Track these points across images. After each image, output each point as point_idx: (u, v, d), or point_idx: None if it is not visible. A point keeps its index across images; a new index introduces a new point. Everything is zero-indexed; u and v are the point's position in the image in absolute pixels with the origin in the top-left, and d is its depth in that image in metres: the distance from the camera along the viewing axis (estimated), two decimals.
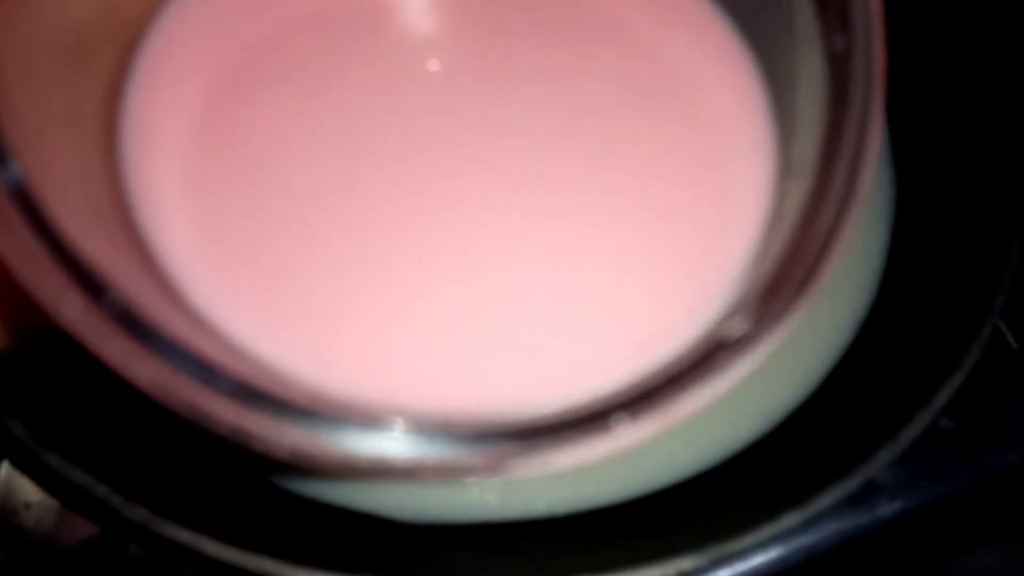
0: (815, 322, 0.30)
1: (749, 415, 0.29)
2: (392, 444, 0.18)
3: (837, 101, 0.20)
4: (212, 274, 0.22)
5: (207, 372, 0.17)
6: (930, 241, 0.31)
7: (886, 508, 0.28)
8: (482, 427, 0.18)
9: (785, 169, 0.23)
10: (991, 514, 0.32)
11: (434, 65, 0.25)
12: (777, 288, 0.19)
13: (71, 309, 0.17)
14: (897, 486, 0.28)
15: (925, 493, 0.29)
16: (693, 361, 0.19)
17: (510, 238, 0.23)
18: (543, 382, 0.21)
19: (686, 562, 0.24)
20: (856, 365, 0.30)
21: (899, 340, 0.30)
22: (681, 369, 0.19)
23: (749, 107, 0.25)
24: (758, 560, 0.27)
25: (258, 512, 0.27)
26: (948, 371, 0.27)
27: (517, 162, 0.24)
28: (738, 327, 0.19)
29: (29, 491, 0.30)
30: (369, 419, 0.18)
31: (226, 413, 0.17)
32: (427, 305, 0.22)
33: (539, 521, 0.28)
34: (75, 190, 0.20)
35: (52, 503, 0.29)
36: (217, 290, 0.21)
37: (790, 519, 0.25)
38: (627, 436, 0.18)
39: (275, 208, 0.23)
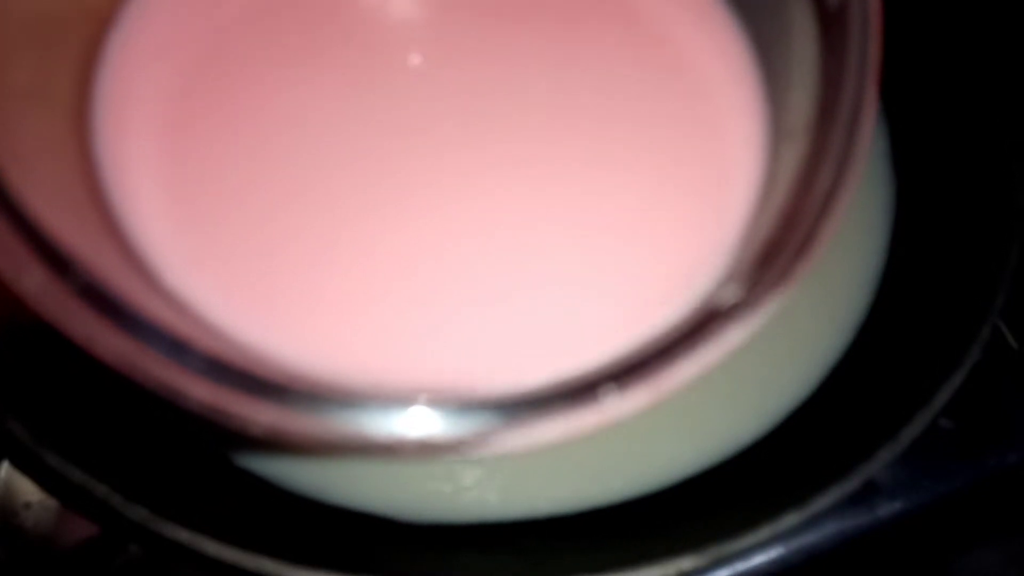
0: (815, 322, 0.30)
1: (749, 415, 0.29)
2: (370, 420, 0.17)
3: (832, 61, 0.20)
4: (184, 252, 0.21)
5: (177, 348, 0.17)
6: (930, 241, 0.31)
7: (886, 508, 0.28)
8: (467, 401, 0.18)
9: (778, 132, 0.23)
10: (991, 514, 0.32)
11: (418, 41, 0.24)
12: (773, 254, 0.19)
13: (33, 283, 0.17)
14: (897, 486, 0.28)
15: (925, 493, 0.29)
16: (685, 330, 0.18)
17: (497, 211, 0.23)
18: (531, 355, 0.21)
19: (686, 562, 0.24)
20: (856, 365, 0.30)
21: (899, 340, 0.30)
22: (673, 339, 0.18)
23: (738, 71, 0.24)
24: (758, 560, 0.27)
25: (258, 512, 0.27)
26: (948, 371, 0.26)
27: (503, 135, 0.23)
28: (732, 295, 0.19)
29: (29, 491, 0.30)
30: (346, 395, 0.18)
31: (197, 390, 0.17)
32: (408, 280, 0.22)
33: (540, 521, 0.28)
34: (43, 166, 0.20)
35: (52, 503, 0.29)
36: (189, 268, 0.21)
37: (790, 519, 0.25)
38: (616, 408, 0.18)
39: (249, 186, 0.22)
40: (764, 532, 0.24)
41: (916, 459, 0.28)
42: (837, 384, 0.30)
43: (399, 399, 0.18)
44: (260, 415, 0.17)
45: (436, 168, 0.23)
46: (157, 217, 0.22)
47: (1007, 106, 0.30)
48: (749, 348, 0.29)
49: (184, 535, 0.23)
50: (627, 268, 0.22)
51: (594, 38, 0.25)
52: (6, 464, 0.29)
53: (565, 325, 0.21)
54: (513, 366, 0.21)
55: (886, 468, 0.26)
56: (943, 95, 0.32)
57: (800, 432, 0.29)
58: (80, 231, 0.19)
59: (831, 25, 0.20)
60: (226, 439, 0.28)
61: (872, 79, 0.20)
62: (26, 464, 0.26)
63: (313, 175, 0.23)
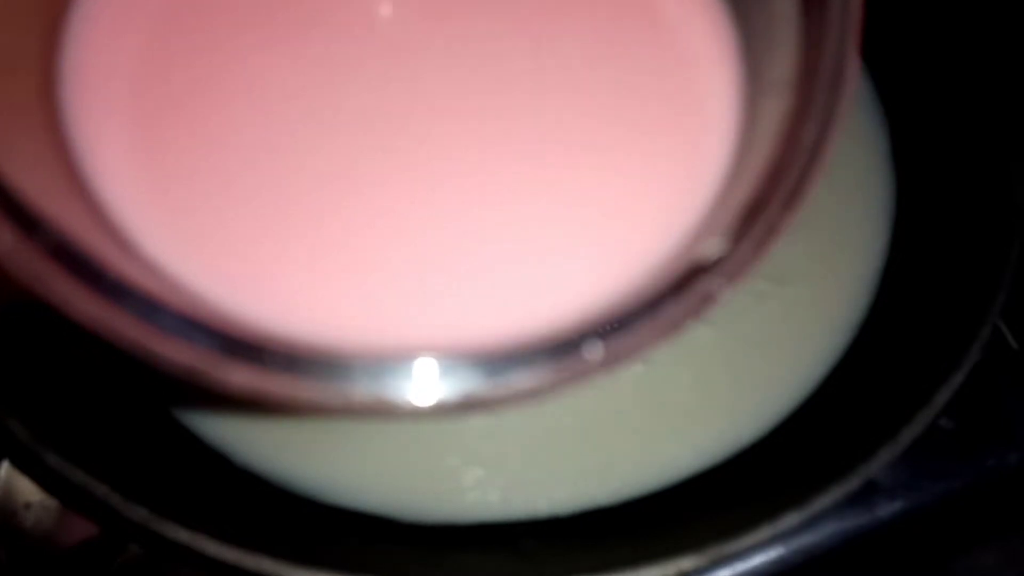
0: (815, 322, 0.30)
1: (749, 415, 0.29)
2: (352, 380, 0.17)
3: (814, 13, 0.20)
4: (157, 214, 0.21)
5: (150, 307, 0.17)
6: (930, 241, 0.31)
7: (886, 508, 0.28)
8: (449, 359, 0.17)
9: (758, 86, 0.22)
10: (991, 514, 0.32)
11: (395, 7, 0.24)
12: (759, 208, 0.18)
13: (3, 244, 0.17)
14: (897, 486, 0.28)
15: (925, 493, 0.29)
16: (670, 286, 0.18)
17: (476, 169, 0.22)
18: (511, 315, 0.21)
19: (686, 562, 0.24)
20: (856, 365, 0.30)
21: (899, 340, 0.30)
22: (657, 294, 0.18)
23: (715, 23, 0.24)
24: (758, 560, 0.27)
25: (258, 512, 0.27)
26: (948, 371, 0.26)
27: (479, 96, 0.23)
28: (716, 249, 0.18)
29: (29, 491, 0.30)
30: (325, 356, 0.17)
31: (171, 350, 0.17)
32: (387, 241, 0.22)
33: (541, 521, 0.28)
34: (11, 132, 0.20)
35: (52, 503, 0.29)
36: (162, 231, 0.21)
37: (790, 519, 0.24)
38: (600, 364, 0.17)
39: (221, 146, 0.22)
40: (764, 532, 0.24)
41: (916, 459, 0.28)
42: (837, 384, 0.30)
43: (381, 358, 0.17)
44: (237, 376, 0.17)
45: (412, 135, 0.23)
46: (128, 180, 0.21)
47: (1007, 105, 0.30)
48: (749, 348, 0.29)
49: (184, 535, 0.23)
50: (606, 223, 0.22)
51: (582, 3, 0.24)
52: (6, 464, 0.29)
53: (546, 284, 0.21)
54: (495, 327, 0.20)
55: (886, 468, 0.26)
56: (943, 94, 0.32)
57: (800, 432, 0.29)
58: (50, 194, 0.19)
59: None
60: (229, 438, 0.28)
61: (854, 31, 0.20)
62: (26, 464, 0.26)
63: (286, 135, 0.22)
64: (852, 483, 0.25)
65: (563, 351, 0.18)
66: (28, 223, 0.17)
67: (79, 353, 0.26)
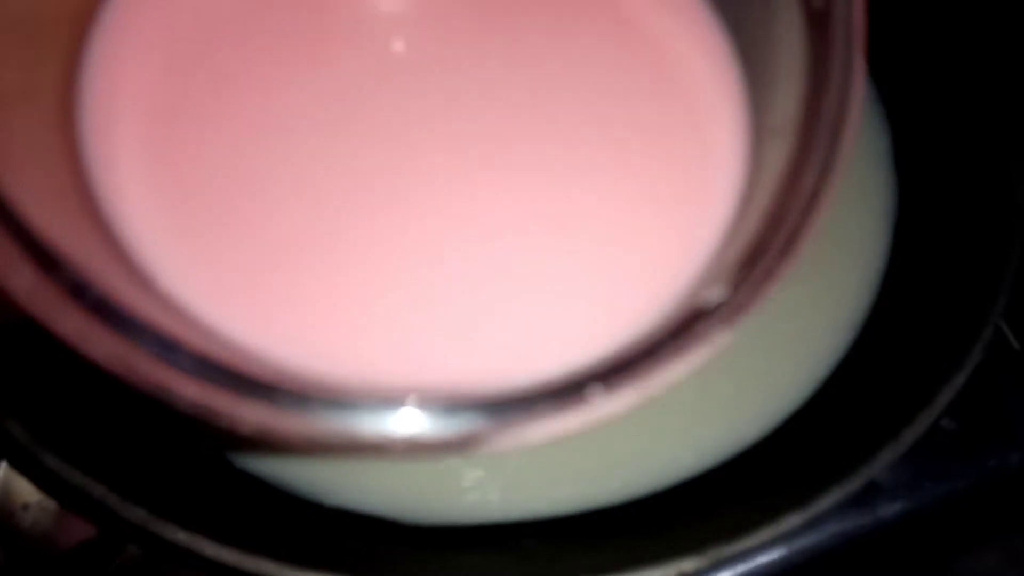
0: (817, 322, 0.30)
1: (751, 415, 0.29)
2: (359, 419, 0.17)
3: (817, 61, 0.20)
4: (174, 251, 0.21)
5: (167, 346, 0.17)
6: (932, 242, 0.31)
7: (888, 509, 0.28)
8: (455, 400, 0.18)
9: (762, 131, 0.22)
10: (993, 514, 0.32)
11: (406, 40, 0.24)
12: (757, 254, 0.19)
13: (23, 282, 0.17)
14: (899, 487, 0.28)
15: (927, 494, 0.29)
16: (671, 330, 0.18)
17: (482, 214, 0.22)
18: (517, 355, 0.21)
19: (687, 563, 0.24)
20: (858, 365, 0.30)
21: (901, 340, 0.30)
22: (658, 339, 0.18)
23: (722, 69, 0.24)
24: (760, 561, 0.27)
25: (258, 513, 0.27)
26: (950, 372, 0.26)
27: (491, 136, 0.23)
28: (717, 295, 0.19)
29: (27, 492, 0.30)
30: (335, 394, 0.17)
31: (187, 389, 0.17)
32: (397, 280, 0.22)
33: (541, 522, 0.28)
34: (31, 166, 0.20)
35: (50, 504, 0.29)
36: (179, 267, 0.21)
37: (792, 520, 0.24)
38: (602, 408, 0.18)
39: (239, 183, 0.22)
40: (765, 533, 0.24)
41: (918, 460, 0.28)
42: (839, 384, 0.29)
43: (388, 398, 0.18)
44: (249, 414, 0.17)
45: (422, 170, 0.23)
46: (146, 216, 0.22)
47: (1008, 106, 0.30)
48: (751, 348, 0.29)
49: (183, 536, 0.23)
50: (611, 269, 0.22)
51: (577, 38, 0.25)
52: (4, 465, 0.29)
53: (550, 326, 0.21)
54: (500, 367, 0.21)
55: (888, 469, 0.26)
56: (944, 95, 0.32)
57: (802, 432, 0.29)
58: (69, 230, 0.19)
59: (816, 24, 0.20)
60: (225, 440, 0.28)
61: (857, 78, 0.20)
62: (24, 465, 0.26)
63: (301, 174, 0.22)
64: (854, 484, 0.25)
65: (565, 395, 0.18)
66: (48, 261, 0.17)
67: (77, 356, 0.26)
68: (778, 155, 0.20)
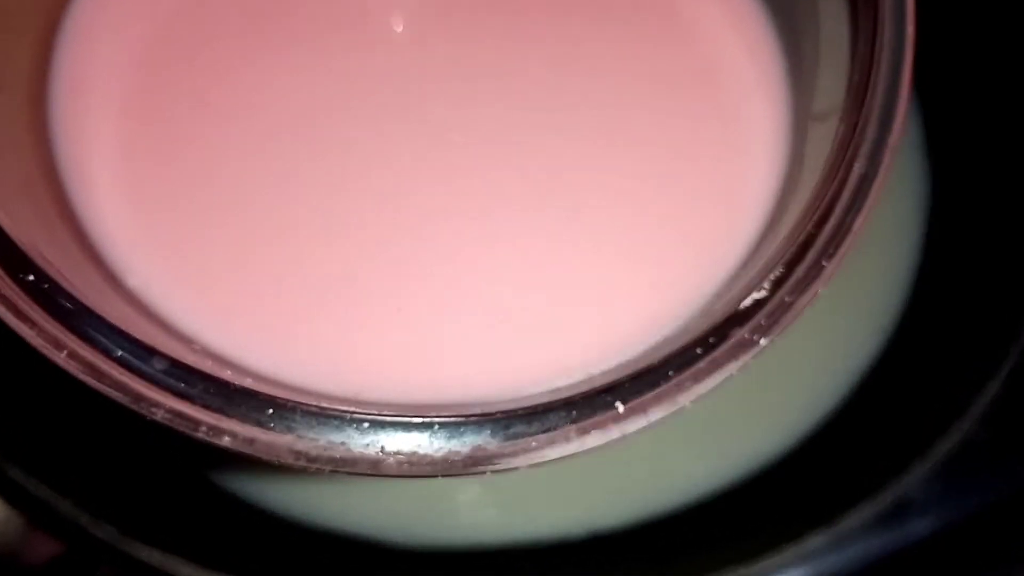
0: (844, 327, 0.29)
1: (772, 429, 0.28)
2: (351, 435, 0.16)
3: (864, 42, 0.19)
4: (146, 250, 0.21)
5: (140, 353, 0.17)
6: (966, 238, 0.30)
7: (919, 526, 0.27)
8: (464, 414, 0.17)
9: (807, 118, 0.22)
10: None
11: (410, 29, 0.24)
12: (802, 249, 0.18)
13: None
14: (930, 502, 0.27)
15: (959, 509, 0.28)
16: (705, 336, 0.17)
17: (506, 213, 0.22)
18: (545, 364, 0.20)
19: None
20: (887, 373, 0.29)
21: (933, 345, 0.29)
22: (690, 347, 0.17)
23: (763, 55, 0.24)
24: None
25: (238, 533, 0.26)
26: (984, 379, 0.25)
27: (512, 135, 0.22)
28: (757, 295, 0.17)
29: None
30: (320, 407, 0.17)
31: (161, 398, 0.16)
32: (401, 290, 0.21)
33: (544, 548, 0.27)
34: (2, 163, 0.20)
35: (18, 519, 0.28)
36: (151, 268, 0.21)
37: (816, 540, 0.24)
38: (633, 423, 0.17)
39: (217, 181, 0.22)
40: (788, 554, 0.24)
41: (950, 473, 0.27)
42: (867, 394, 0.29)
43: (380, 413, 0.17)
44: (228, 426, 0.16)
45: (438, 174, 0.22)
46: (118, 214, 0.21)
47: None
48: (771, 356, 0.28)
49: (156, 557, 0.23)
50: (643, 269, 0.21)
51: (613, 24, 0.24)
52: None
53: (578, 332, 0.21)
54: (518, 378, 0.20)
55: (919, 483, 0.25)
56: (978, 84, 0.31)
57: (827, 446, 0.28)
58: (40, 230, 0.19)
59: (862, 5, 0.20)
60: (204, 456, 0.27)
61: (908, 60, 0.19)
62: None
63: (282, 169, 0.22)
64: (883, 500, 0.25)
65: (588, 408, 0.17)
66: (19, 265, 0.17)
67: (45, 367, 0.25)
68: (823, 143, 0.19)
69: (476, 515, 0.27)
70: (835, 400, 0.29)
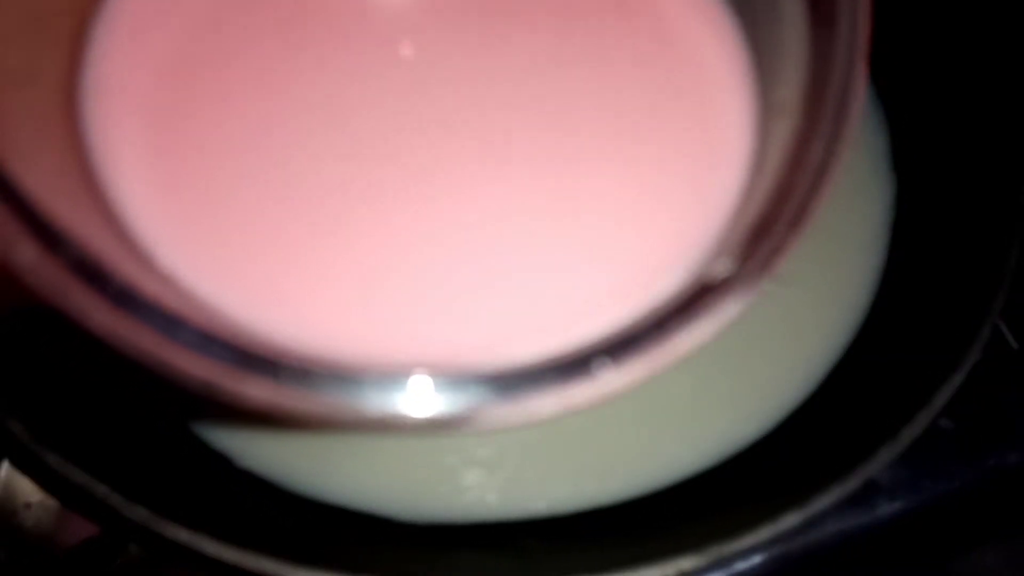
0: (815, 321, 0.30)
1: (749, 414, 0.29)
2: (364, 394, 0.17)
3: (822, 38, 0.20)
4: (175, 229, 0.21)
5: (169, 322, 0.17)
6: (930, 240, 0.31)
7: (886, 508, 0.28)
8: (461, 375, 0.18)
9: (768, 108, 0.23)
10: (991, 514, 0.32)
11: (410, 26, 0.24)
12: (765, 228, 0.19)
13: (26, 258, 0.17)
14: (897, 486, 0.28)
15: (925, 493, 0.29)
16: (678, 304, 0.18)
17: (489, 188, 0.22)
18: (525, 331, 0.21)
19: (686, 562, 0.24)
20: (856, 364, 0.30)
21: (899, 339, 0.30)
22: (666, 312, 0.18)
23: (727, 47, 0.24)
24: (758, 560, 0.27)
25: (258, 512, 0.27)
26: (948, 371, 0.26)
27: (493, 115, 0.23)
28: (724, 269, 0.19)
29: (29, 491, 0.30)
30: (339, 369, 0.17)
31: (190, 364, 0.17)
32: (402, 256, 0.22)
33: (539, 521, 0.28)
34: (35, 146, 0.20)
35: (52, 503, 0.29)
36: (180, 246, 0.21)
37: (790, 519, 0.24)
38: (611, 382, 0.18)
39: (241, 164, 0.22)
40: (764, 532, 0.24)
41: (916, 459, 0.28)
42: (837, 383, 0.29)
43: (394, 373, 0.17)
44: (253, 390, 0.17)
45: (429, 146, 0.23)
46: (145, 192, 0.22)
47: (1007, 104, 0.30)
48: (749, 347, 0.29)
49: (184, 535, 0.23)
50: (619, 244, 0.22)
51: (584, 19, 0.25)
52: (6, 464, 0.29)
53: (559, 301, 0.21)
54: (507, 342, 0.21)
55: (886, 468, 0.26)
56: (943, 93, 0.32)
57: (800, 431, 0.29)
58: (72, 208, 0.19)
59: (820, 3, 0.20)
60: (225, 414, 0.28)
61: (861, 53, 0.20)
62: (26, 464, 0.26)
63: (302, 150, 0.22)
64: (852, 483, 0.25)
65: (572, 370, 0.18)
66: (51, 238, 0.17)
67: (80, 354, 0.25)
68: (784, 131, 0.20)
69: (478, 493, 0.28)
70: (808, 388, 0.29)
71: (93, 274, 0.17)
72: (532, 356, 0.18)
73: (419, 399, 0.17)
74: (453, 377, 0.18)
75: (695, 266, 0.21)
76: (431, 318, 0.21)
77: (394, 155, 0.23)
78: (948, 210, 0.31)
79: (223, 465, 0.27)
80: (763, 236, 0.19)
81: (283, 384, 0.17)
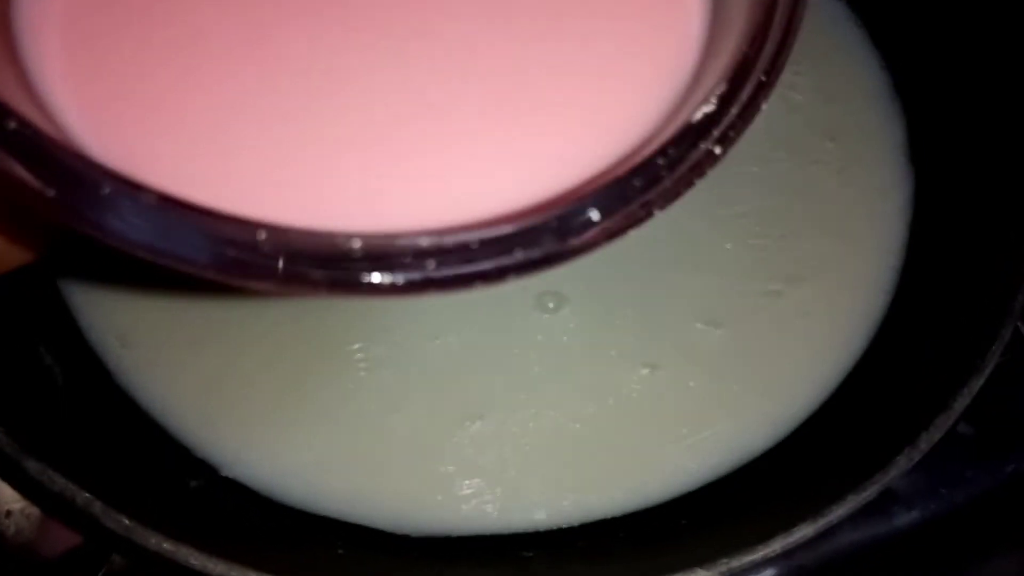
0: (829, 324, 0.30)
1: (761, 421, 0.28)
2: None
3: None
4: (88, 103, 0.20)
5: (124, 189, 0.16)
6: (949, 241, 0.30)
7: (904, 517, 0.28)
8: (443, 229, 0.17)
9: None
10: (1011, 521, 0.31)
11: None
12: (744, 69, 0.19)
13: None
14: (915, 494, 0.28)
15: (943, 501, 0.28)
16: (662, 147, 0.18)
17: (458, 40, 0.22)
18: (501, 184, 0.20)
19: None
20: (873, 369, 0.29)
21: (917, 343, 0.29)
22: (650, 157, 0.18)
23: None
24: (771, 573, 0.27)
25: (246, 523, 0.26)
26: (967, 375, 0.26)
27: None
28: (705, 110, 0.18)
29: (10, 498, 0.29)
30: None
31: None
32: (352, 117, 0.21)
33: (540, 533, 0.27)
34: None
35: (33, 511, 0.29)
36: (99, 122, 0.20)
37: (804, 530, 0.24)
38: (599, 230, 0.17)
39: (161, 30, 0.21)
40: (777, 544, 0.24)
41: (934, 466, 0.28)
42: (852, 388, 0.29)
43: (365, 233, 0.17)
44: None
45: (382, 16, 0.22)
46: (58, 61, 0.21)
47: None
48: (760, 350, 0.29)
49: (168, 546, 0.23)
50: (583, 93, 0.22)
51: None
52: None
53: (523, 156, 0.21)
54: (484, 198, 0.20)
55: (904, 476, 0.25)
56: (961, 85, 0.31)
57: (814, 438, 0.28)
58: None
59: None
60: (213, 448, 0.27)
61: None
62: (6, 470, 0.26)
63: (234, 19, 0.21)
64: (868, 492, 0.25)
65: (560, 220, 0.17)
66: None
67: (60, 359, 0.26)
68: None
69: (476, 504, 0.27)
70: (822, 393, 0.29)
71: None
72: (513, 210, 0.18)
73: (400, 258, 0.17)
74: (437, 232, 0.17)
75: (666, 113, 0.21)
76: (404, 177, 0.21)
77: (345, 19, 0.22)
78: (968, 206, 0.30)
79: (209, 474, 0.27)
80: (742, 77, 0.19)
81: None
